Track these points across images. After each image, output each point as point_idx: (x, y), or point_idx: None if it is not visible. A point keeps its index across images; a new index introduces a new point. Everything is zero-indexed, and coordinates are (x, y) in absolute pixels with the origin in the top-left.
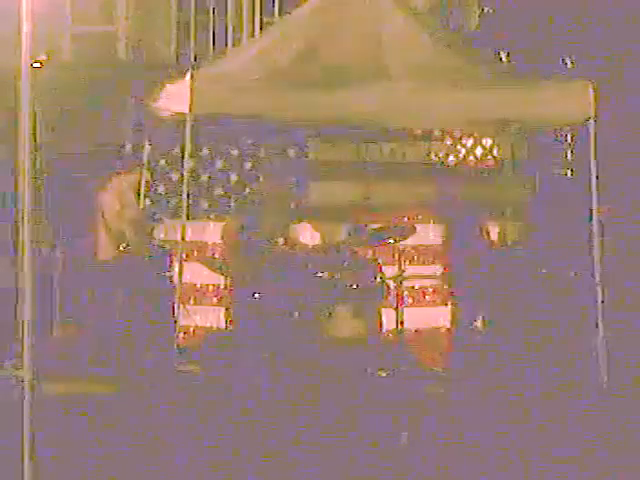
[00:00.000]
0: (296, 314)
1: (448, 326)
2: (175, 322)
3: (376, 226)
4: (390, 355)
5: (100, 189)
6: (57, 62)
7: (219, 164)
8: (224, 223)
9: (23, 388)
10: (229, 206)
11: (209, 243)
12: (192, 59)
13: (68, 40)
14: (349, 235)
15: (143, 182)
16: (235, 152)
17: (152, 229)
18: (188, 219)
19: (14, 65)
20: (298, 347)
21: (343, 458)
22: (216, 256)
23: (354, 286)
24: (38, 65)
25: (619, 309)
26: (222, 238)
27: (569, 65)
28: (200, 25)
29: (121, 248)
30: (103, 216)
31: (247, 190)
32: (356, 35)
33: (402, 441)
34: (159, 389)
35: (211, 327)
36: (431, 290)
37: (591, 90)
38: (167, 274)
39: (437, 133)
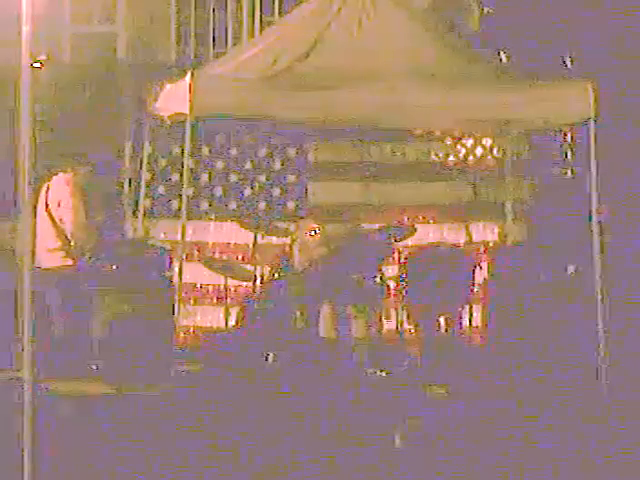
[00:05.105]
0: (297, 314)
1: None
2: (175, 322)
3: (376, 226)
4: (390, 355)
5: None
6: (57, 62)
7: (219, 164)
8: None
9: (23, 388)
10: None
11: (209, 243)
12: (192, 59)
13: (68, 40)
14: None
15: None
16: (235, 152)
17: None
18: (188, 219)
19: (14, 65)
20: (298, 347)
21: (343, 458)
22: (216, 256)
23: (354, 286)
24: (38, 65)
25: (619, 309)
26: None
27: (569, 65)
28: (200, 25)
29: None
30: (54, 220)
31: (247, 191)
32: (356, 35)
33: (397, 441)
34: (159, 389)
35: (211, 327)
36: None
37: (591, 90)
38: (167, 274)
39: (437, 133)
